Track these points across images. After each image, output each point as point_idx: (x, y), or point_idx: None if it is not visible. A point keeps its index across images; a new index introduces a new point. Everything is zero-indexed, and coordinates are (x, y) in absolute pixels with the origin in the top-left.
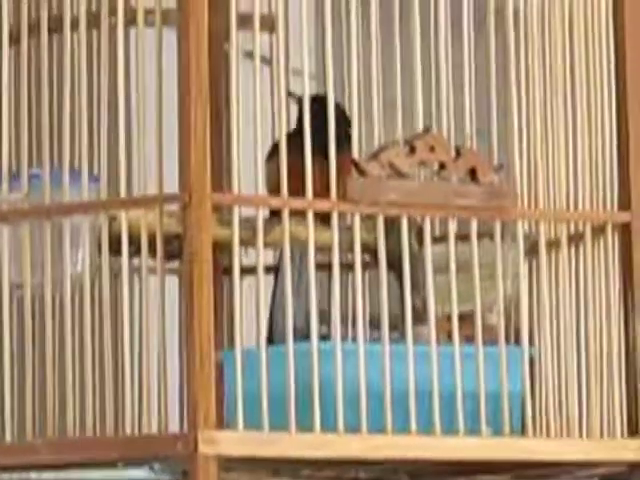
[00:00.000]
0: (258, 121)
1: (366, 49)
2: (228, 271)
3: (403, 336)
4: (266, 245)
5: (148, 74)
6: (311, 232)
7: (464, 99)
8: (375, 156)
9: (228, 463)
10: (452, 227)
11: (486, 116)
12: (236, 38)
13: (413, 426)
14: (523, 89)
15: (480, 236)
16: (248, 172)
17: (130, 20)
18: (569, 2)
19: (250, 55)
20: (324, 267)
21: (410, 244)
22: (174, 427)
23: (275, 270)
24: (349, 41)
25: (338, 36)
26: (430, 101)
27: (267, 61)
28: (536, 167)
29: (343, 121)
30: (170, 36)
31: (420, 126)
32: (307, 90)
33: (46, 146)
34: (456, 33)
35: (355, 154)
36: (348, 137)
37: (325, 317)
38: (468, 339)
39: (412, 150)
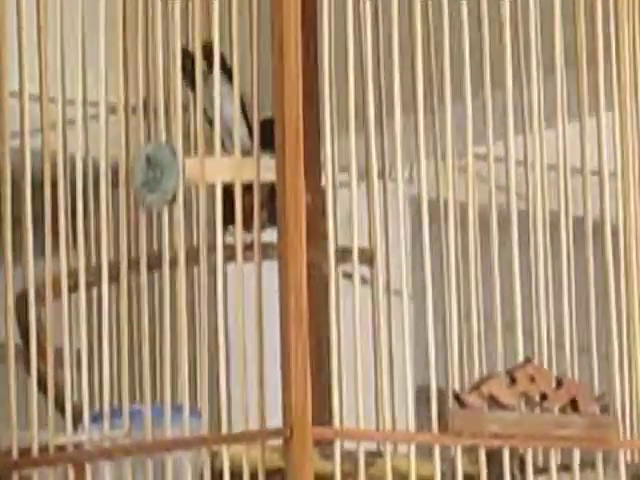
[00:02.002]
0: (359, 350)
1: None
2: None
3: None
4: (369, 478)
5: (247, 308)
6: (413, 466)
7: (564, 328)
8: (476, 387)
9: None
10: (554, 457)
11: (586, 344)
12: (335, 272)
13: None
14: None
15: (582, 465)
16: (350, 402)
17: (229, 256)
18: None
19: (350, 276)
20: None
21: (512, 475)
22: None
23: None
24: (448, 269)
25: (437, 260)
26: (531, 330)
27: (367, 281)
28: (638, 393)
29: None
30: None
31: (521, 356)
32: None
33: (147, 382)
34: (555, 250)
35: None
36: None
37: None
38: None
39: (513, 381)
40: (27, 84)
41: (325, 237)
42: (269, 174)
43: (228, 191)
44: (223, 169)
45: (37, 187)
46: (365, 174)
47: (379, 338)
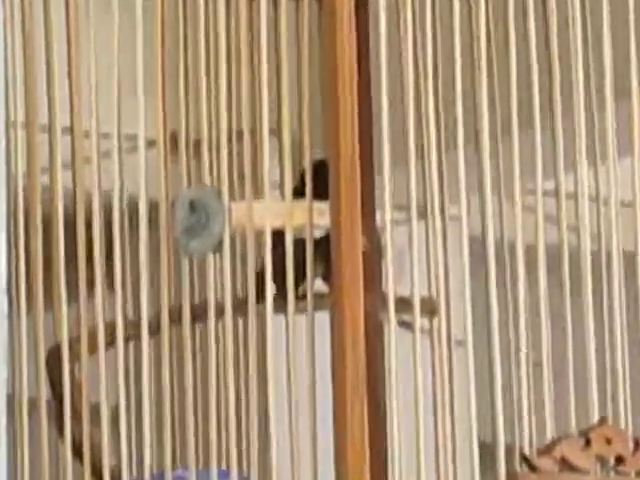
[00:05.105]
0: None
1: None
2: None
3: None
4: None
5: (299, 363)
6: None
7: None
8: (548, 450)
9: None
10: None
11: None
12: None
13: None
14: None
15: None
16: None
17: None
18: None
19: (407, 325)
20: None
21: None
22: None
23: None
24: (515, 317)
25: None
26: (605, 391)
27: (425, 331)
28: None
29: None
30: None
31: (595, 417)
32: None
33: (191, 444)
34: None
35: None
36: None
37: None
38: None
39: (587, 443)
40: (58, 116)
41: (381, 283)
42: (322, 219)
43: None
44: (272, 214)
45: (69, 228)
46: (424, 212)
47: (442, 393)
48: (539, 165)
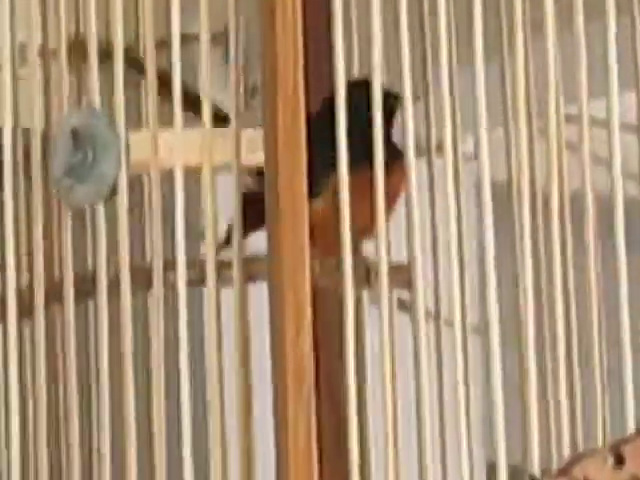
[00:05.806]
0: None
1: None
2: None
3: None
4: None
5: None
6: None
7: None
8: (564, 472)
9: None
10: None
11: None
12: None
13: None
14: None
15: None
16: None
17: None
18: None
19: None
20: None
21: None
22: None
23: None
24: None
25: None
26: None
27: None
28: None
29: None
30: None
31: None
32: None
33: (76, 465)
34: None
35: None
36: None
37: None
38: None
39: (620, 461)
40: None
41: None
42: (257, 154)
43: None
44: (186, 147)
45: None
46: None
47: (423, 395)
48: (552, 82)
